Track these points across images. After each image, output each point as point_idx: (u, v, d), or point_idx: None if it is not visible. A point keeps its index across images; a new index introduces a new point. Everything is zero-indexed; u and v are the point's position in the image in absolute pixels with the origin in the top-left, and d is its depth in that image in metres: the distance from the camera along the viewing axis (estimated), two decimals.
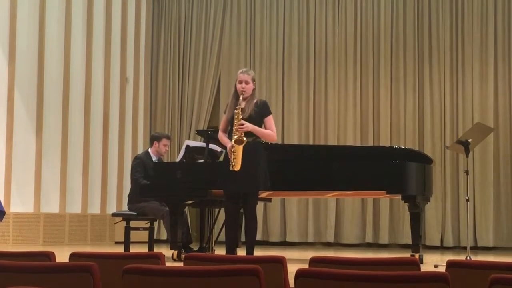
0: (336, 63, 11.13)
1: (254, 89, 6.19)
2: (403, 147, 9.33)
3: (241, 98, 6.06)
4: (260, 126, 6.12)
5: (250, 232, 6.19)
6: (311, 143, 10.93)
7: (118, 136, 11.40)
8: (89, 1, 11.01)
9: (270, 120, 6.17)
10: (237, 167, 5.90)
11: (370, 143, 10.67)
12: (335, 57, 11.14)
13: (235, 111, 6.02)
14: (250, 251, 6.12)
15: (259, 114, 6.12)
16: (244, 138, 5.92)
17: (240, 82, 6.13)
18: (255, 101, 6.15)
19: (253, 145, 6.06)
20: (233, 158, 5.91)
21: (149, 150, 8.07)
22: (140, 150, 11.01)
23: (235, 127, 5.96)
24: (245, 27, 11.69)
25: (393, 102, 10.84)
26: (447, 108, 10.53)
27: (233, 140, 5.93)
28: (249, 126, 5.98)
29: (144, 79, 11.98)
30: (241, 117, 5.99)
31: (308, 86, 11.24)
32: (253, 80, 6.19)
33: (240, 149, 5.91)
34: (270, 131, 6.14)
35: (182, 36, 12.04)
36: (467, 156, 6.98)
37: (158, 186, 7.13)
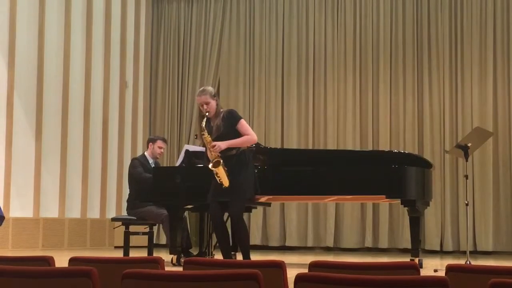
0: (335, 67, 11.13)
1: (217, 104, 6.12)
2: (402, 151, 9.31)
3: (203, 124, 5.97)
4: (235, 137, 6.01)
5: (238, 237, 6.20)
6: (310, 147, 10.93)
7: (117, 141, 11.40)
8: (89, 6, 11.02)
9: (241, 125, 6.07)
10: (226, 184, 5.89)
11: (370, 148, 10.67)
12: (334, 62, 11.15)
13: (203, 136, 5.97)
14: (244, 255, 6.12)
15: (229, 126, 6.03)
16: (219, 159, 5.83)
17: (201, 105, 6.08)
18: (221, 115, 6.08)
19: (238, 157, 6.02)
20: (219, 179, 5.89)
21: (146, 153, 8.09)
22: (139, 154, 11.01)
23: (209, 152, 5.91)
24: (245, 31, 11.70)
25: (392, 106, 10.84)
26: (447, 112, 10.53)
27: (210, 166, 5.87)
28: (221, 145, 5.90)
29: (143, 84, 11.98)
30: (209, 139, 5.91)
31: (307, 91, 11.24)
32: (213, 96, 6.11)
33: (220, 169, 5.86)
34: (246, 136, 6.04)
35: (182, 40, 12.05)
36: (467, 161, 6.98)
37: (157, 191, 7.14)
